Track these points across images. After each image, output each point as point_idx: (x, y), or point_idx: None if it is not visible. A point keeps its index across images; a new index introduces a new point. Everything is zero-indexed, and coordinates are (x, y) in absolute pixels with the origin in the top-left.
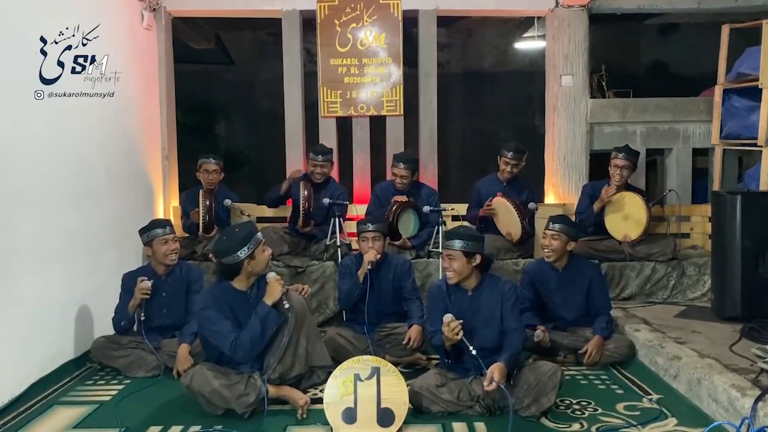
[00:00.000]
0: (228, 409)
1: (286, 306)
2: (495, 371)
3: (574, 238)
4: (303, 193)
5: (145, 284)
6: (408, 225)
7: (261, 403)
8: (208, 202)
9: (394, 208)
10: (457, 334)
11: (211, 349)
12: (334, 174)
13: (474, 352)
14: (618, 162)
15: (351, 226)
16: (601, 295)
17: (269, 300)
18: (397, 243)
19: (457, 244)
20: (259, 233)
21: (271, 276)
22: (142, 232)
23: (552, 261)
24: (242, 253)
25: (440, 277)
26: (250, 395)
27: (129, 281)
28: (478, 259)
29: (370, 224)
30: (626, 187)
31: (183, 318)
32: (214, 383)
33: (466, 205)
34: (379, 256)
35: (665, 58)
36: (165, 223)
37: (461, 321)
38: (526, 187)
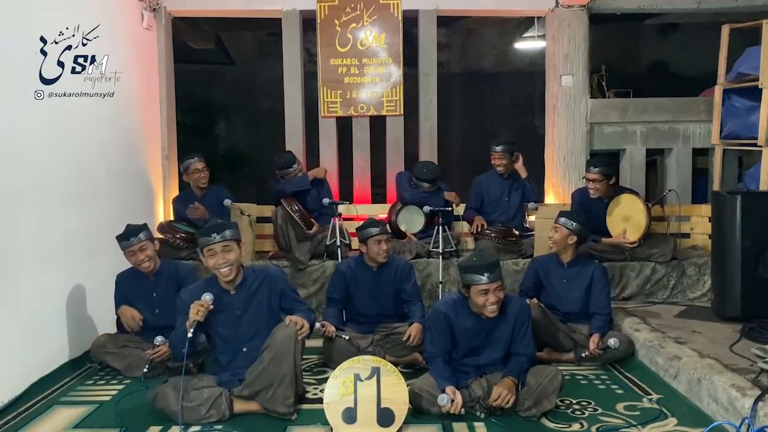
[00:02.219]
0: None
1: (190, 334)
2: (505, 390)
3: (577, 234)
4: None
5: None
6: (414, 222)
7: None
8: (172, 236)
9: (397, 205)
10: (462, 411)
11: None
12: (334, 174)
13: (482, 416)
14: (589, 176)
15: (350, 226)
16: (601, 296)
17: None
18: (403, 240)
19: (500, 273)
20: (212, 236)
21: (204, 297)
22: (118, 240)
23: (554, 251)
24: (201, 242)
25: (440, 278)
26: (212, 417)
27: (121, 282)
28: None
29: (376, 227)
30: (620, 189)
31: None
32: (173, 407)
33: (465, 206)
34: (211, 307)
35: (665, 58)
36: (136, 231)
37: (458, 403)
38: (527, 180)
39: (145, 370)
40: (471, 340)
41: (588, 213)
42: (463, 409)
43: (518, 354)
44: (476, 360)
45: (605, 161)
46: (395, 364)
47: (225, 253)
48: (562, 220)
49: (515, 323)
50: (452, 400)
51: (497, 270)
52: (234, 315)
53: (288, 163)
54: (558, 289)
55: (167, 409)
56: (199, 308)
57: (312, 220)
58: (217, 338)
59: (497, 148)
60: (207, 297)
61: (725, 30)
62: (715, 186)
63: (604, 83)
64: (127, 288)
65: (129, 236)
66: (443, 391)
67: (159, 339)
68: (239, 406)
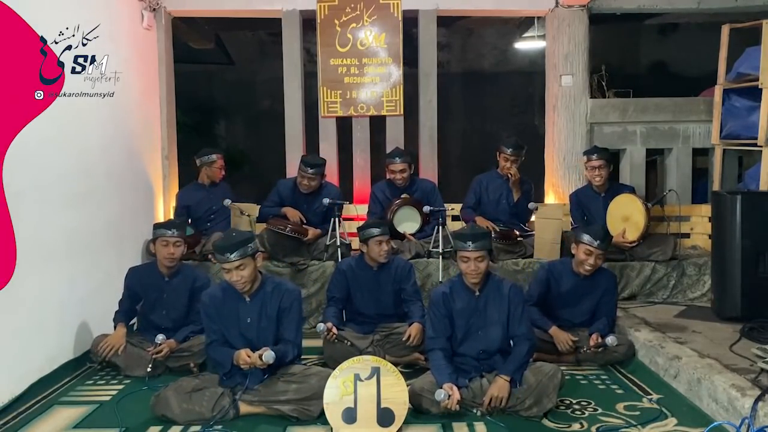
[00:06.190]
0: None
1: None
2: (496, 392)
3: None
4: None
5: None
6: (410, 222)
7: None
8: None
9: (393, 206)
10: (458, 406)
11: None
12: (334, 174)
13: (479, 414)
14: (593, 163)
15: (350, 226)
16: (610, 304)
17: (236, 362)
18: (402, 240)
19: (484, 244)
20: (225, 256)
21: (267, 356)
22: (154, 227)
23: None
24: (218, 259)
25: (440, 278)
26: (215, 417)
27: (132, 278)
28: (490, 255)
29: (378, 228)
30: (617, 188)
31: (182, 322)
32: (175, 411)
33: (462, 205)
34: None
35: (665, 58)
36: (176, 225)
37: (455, 398)
38: (525, 181)
39: (149, 369)
40: (468, 318)
41: (587, 213)
42: (458, 406)
43: (517, 337)
44: (475, 346)
45: (603, 149)
46: (395, 364)
47: (239, 270)
48: (598, 243)
49: (510, 303)
50: (449, 396)
51: (482, 242)
52: (245, 322)
53: (308, 162)
54: (572, 300)
55: (169, 414)
56: (247, 362)
57: (304, 227)
58: (226, 340)
59: (510, 150)
60: (266, 356)
61: (725, 30)
62: (715, 186)
63: (604, 83)
64: (138, 283)
65: (173, 226)
66: (441, 387)
67: (160, 337)
68: (246, 408)
